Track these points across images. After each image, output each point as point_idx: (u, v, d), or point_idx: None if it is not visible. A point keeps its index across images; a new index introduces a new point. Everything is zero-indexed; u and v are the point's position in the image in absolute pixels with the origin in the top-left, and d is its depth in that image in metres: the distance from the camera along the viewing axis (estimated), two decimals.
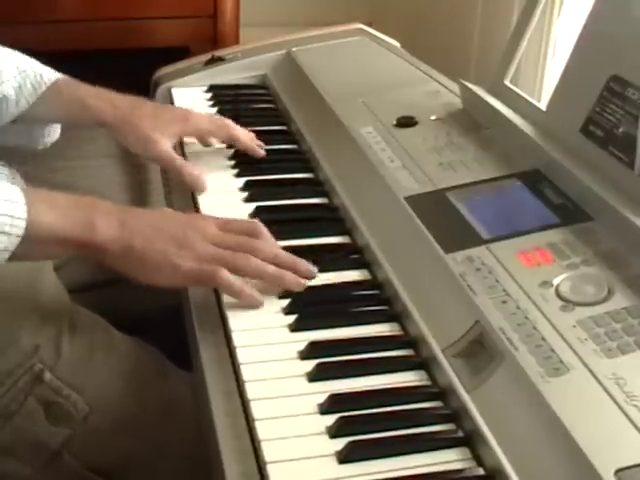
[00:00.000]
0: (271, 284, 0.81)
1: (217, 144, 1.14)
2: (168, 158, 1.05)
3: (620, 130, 0.82)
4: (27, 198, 0.76)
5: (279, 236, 0.90)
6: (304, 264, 0.83)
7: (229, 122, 1.12)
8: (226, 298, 0.80)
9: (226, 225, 0.83)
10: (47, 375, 0.84)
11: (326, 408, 0.66)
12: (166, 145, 1.05)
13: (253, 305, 0.79)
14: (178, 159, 1.05)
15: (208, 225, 0.82)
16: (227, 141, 1.12)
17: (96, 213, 0.79)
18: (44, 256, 0.87)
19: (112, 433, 0.86)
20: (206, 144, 1.14)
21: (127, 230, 0.78)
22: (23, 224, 0.74)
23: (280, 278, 0.81)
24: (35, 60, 1.07)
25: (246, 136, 1.11)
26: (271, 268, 0.80)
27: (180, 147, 1.14)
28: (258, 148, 1.11)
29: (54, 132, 1.12)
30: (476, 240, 0.79)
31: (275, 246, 0.84)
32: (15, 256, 0.76)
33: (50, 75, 1.06)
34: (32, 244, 0.76)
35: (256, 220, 0.87)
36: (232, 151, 1.12)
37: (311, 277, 0.82)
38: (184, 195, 1.04)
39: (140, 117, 1.05)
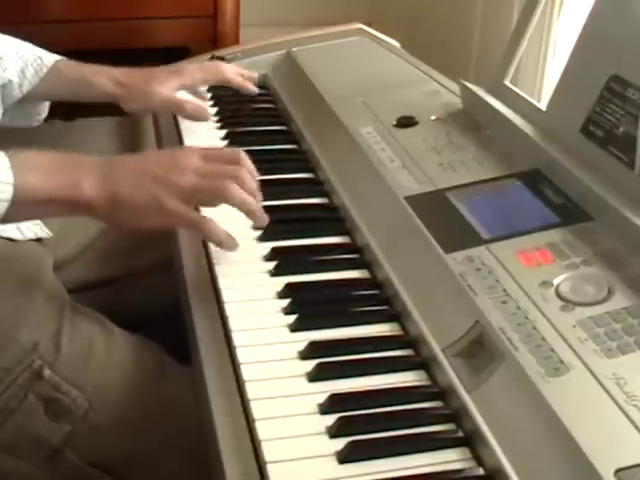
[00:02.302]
0: (245, 213, 0.84)
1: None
2: (168, 101, 1.13)
3: (620, 130, 0.82)
4: (12, 162, 0.77)
5: (279, 236, 0.91)
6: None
7: (218, 65, 1.23)
8: (227, 298, 0.81)
9: (208, 155, 0.85)
10: (46, 371, 0.85)
11: (326, 408, 0.66)
12: (165, 92, 1.13)
13: (231, 249, 0.84)
14: (176, 98, 1.14)
15: (191, 158, 0.84)
16: (220, 83, 1.23)
17: (80, 171, 0.80)
18: (32, 217, 0.90)
19: (113, 428, 0.86)
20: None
21: (111, 182, 0.80)
22: (10, 189, 0.76)
23: (254, 212, 0.84)
24: (30, 43, 1.12)
25: (237, 76, 1.22)
26: (251, 200, 0.84)
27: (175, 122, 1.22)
28: (250, 85, 1.22)
29: (45, 109, 1.18)
30: (476, 240, 0.79)
31: (254, 176, 0.87)
32: (4, 220, 0.78)
33: (49, 57, 1.11)
34: (20, 207, 0.77)
35: (238, 149, 0.89)
36: None
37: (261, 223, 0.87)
38: None
39: (137, 80, 1.13)
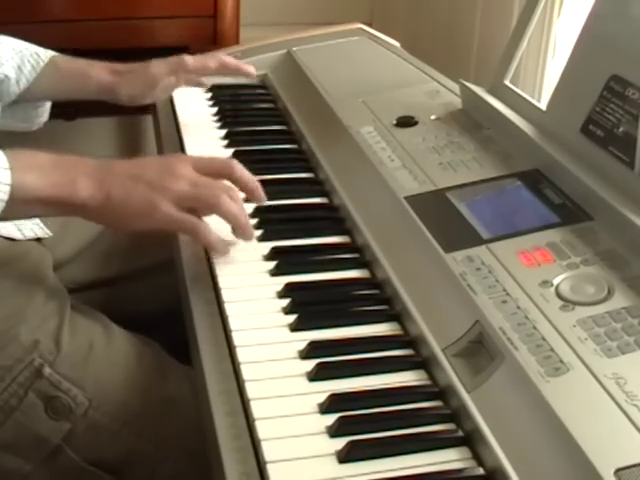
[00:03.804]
0: (233, 226, 0.85)
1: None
2: (167, 64, 1.16)
3: (620, 130, 0.82)
4: (10, 162, 0.78)
5: (279, 236, 0.91)
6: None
7: (213, 57, 1.20)
8: (227, 298, 0.81)
9: (201, 164, 0.86)
10: (47, 370, 0.85)
11: (326, 408, 0.66)
12: (163, 69, 1.15)
13: (223, 254, 0.85)
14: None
15: (184, 166, 0.84)
16: (218, 70, 1.20)
17: (77, 172, 0.81)
18: (26, 216, 0.91)
19: (112, 427, 0.86)
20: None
21: (105, 184, 0.81)
22: (7, 189, 0.77)
23: (243, 226, 0.85)
24: (24, 41, 1.11)
25: (235, 63, 1.21)
26: (241, 214, 0.85)
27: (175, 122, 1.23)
28: (247, 67, 1.21)
29: (45, 112, 1.18)
30: (476, 240, 0.79)
31: (249, 179, 0.88)
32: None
33: (46, 53, 1.11)
34: (15, 206, 0.78)
35: (231, 159, 0.90)
36: (232, 151, 1.12)
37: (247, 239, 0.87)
38: None
39: (132, 66, 1.15)
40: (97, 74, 1.12)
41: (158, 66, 1.15)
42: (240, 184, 0.87)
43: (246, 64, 1.22)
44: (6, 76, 1.06)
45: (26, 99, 1.11)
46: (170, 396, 0.90)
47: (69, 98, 1.15)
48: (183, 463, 0.89)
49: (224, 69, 1.20)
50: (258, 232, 0.91)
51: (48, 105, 1.17)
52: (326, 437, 0.64)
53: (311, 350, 0.73)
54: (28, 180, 0.78)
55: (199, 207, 0.84)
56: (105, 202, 0.81)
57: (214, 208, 0.84)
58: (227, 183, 0.86)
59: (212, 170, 0.86)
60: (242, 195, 0.88)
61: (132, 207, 0.81)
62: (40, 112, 1.16)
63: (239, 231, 0.86)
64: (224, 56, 1.21)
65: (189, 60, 1.16)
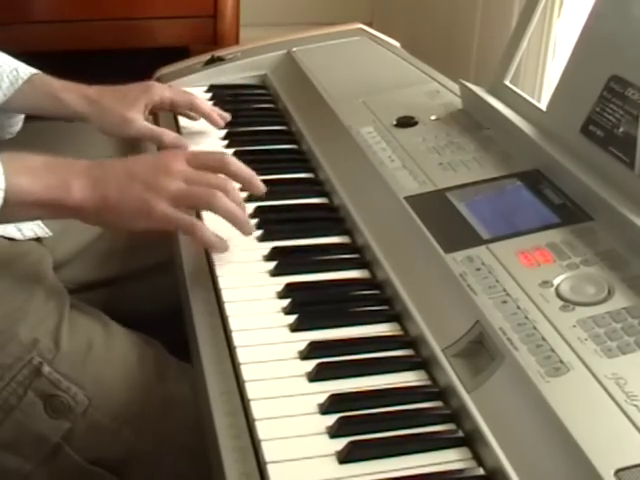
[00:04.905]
0: (231, 223, 0.85)
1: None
2: (146, 131, 1.11)
3: (620, 130, 0.82)
4: (4, 165, 0.77)
5: (279, 236, 0.91)
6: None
7: (190, 92, 1.19)
8: (227, 298, 0.81)
9: (195, 159, 0.86)
10: (46, 368, 0.85)
11: (326, 408, 0.66)
12: (141, 120, 1.11)
13: (222, 252, 0.85)
14: (155, 128, 1.12)
15: (179, 162, 0.85)
16: (189, 109, 1.18)
17: (71, 174, 0.81)
18: (22, 219, 0.91)
19: (112, 426, 0.86)
20: (179, 114, 1.22)
21: (100, 185, 0.81)
22: (1, 194, 0.76)
23: (240, 222, 0.85)
24: (6, 54, 1.11)
25: (207, 106, 1.18)
26: (236, 210, 0.85)
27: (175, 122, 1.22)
28: (218, 118, 1.17)
29: (19, 122, 1.16)
30: (476, 240, 0.79)
31: (243, 171, 0.87)
32: None
33: (25, 70, 1.10)
34: (10, 210, 0.78)
35: (223, 152, 0.89)
36: (232, 151, 1.12)
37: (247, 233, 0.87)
38: None
39: (109, 100, 1.10)
40: (69, 100, 1.09)
41: (133, 107, 1.10)
42: (236, 178, 0.88)
43: (216, 114, 1.17)
44: None
45: (1, 110, 1.10)
46: (170, 395, 0.90)
47: (46, 116, 1.14)
48: (183, 462, 0.89)
49: (195, 110, 1.18)
50: (258, 232, 0.91)
51: (22, 116, 1.16)
52: (326, 437, 0.64)
53: (311, 350, 0.73)
54: (22, 183, 0.78)
55: (195, 205, 0.85)
56: (101, 203, 0.81)
57: (209, 205, 0.84)
58: (223, 177, 0.87)
59: (207, 165, 0.86)
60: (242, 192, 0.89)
61: (128, 207, 0.81)
62: (14, 122, 1.15)
63: (237, 227, 0.86)
64: (198, 98, 1.18)
65: (167, 137, 1.10)
